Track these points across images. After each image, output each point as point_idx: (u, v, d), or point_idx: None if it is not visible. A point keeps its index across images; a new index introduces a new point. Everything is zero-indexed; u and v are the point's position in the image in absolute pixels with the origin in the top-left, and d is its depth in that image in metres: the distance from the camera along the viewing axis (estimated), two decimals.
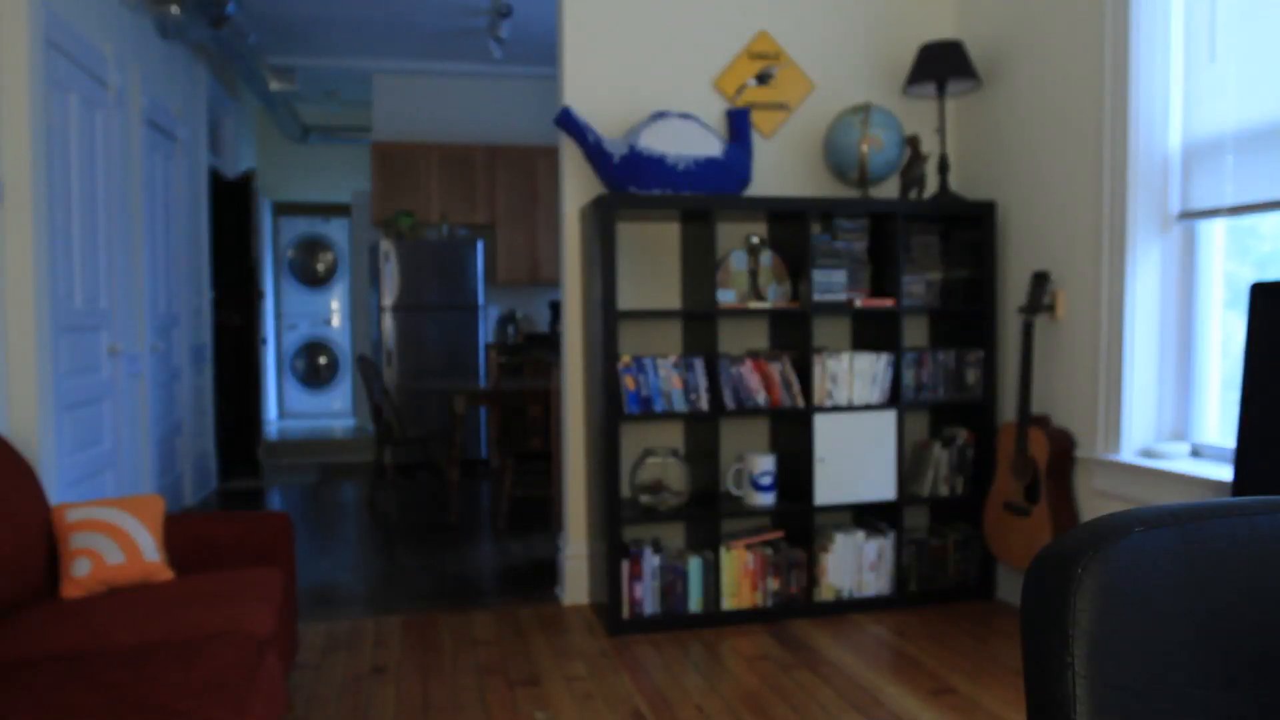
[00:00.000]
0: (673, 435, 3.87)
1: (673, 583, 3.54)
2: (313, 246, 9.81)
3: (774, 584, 3.63)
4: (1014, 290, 3.77)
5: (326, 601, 3.96)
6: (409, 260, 7.04)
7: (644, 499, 3.62)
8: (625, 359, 3.49)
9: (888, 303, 3.68)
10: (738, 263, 3.67)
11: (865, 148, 3.66)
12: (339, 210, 9.61)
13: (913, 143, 3.74)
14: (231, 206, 6.99)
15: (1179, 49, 3.08)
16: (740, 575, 3.60)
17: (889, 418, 3.68)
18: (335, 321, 9.88)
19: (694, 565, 3.55)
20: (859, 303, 3.68)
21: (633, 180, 3.51)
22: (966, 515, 3.85)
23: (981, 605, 3.77)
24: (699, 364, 3.55)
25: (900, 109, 4.05)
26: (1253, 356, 2.49)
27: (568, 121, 3.52)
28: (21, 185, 3.16)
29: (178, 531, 2.84)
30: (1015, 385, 3.74)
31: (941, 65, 3.68)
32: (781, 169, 3.95)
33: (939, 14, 4.10)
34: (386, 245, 7.01)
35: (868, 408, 3.66)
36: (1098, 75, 3.25)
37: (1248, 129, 2.83)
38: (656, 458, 3.63)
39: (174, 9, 4.94)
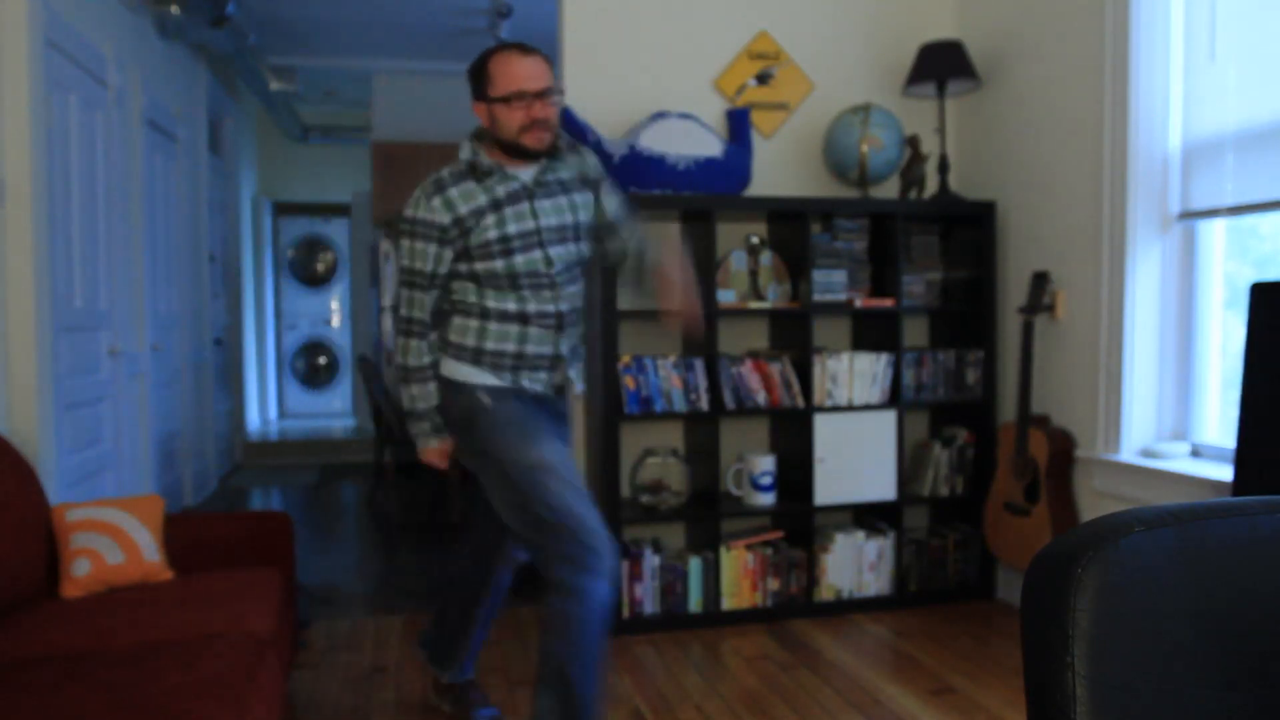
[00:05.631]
0: (673, 435, 3.87)
1: (673, 583, 3.54)
2: (313, 246, 9.80)
3: (774, 584, 3.63)
4: (1014, 290, 3.77)
5: (326, 601, 3.96)
6: None
7: (644, 499, 3.62)
8: (625, 359, 3.49)
9: (888, 303, 3.68)
10: (738, 263, 3.67)
11: (865, 148, 3.66)
12: (339, 210, 9.60)
13: (913, 143, 3.74)
14: None
15: (1179, 49, 3.08)
16: (740, 575, 3.60)
17: (889, 418, 3.68)
18: (335, 321, 9.87)
19: (694, 565, 3.55)
20: (859, 303, 3.68)
21: (633, 180, 3.51)
22: (966, 515, 3.85)
23: (981, 605, 3.77)
24: (699, 364, 3.55)
25: (900, 109, 4.05)
26: (1252, 356, 2.48)
27: (568, 121, 3.52)
28: (21, 185, 3.16)
29: (178, 531, 2.84)
30: (1015, 385, 3.73)
31: (941, 65, 3.68)
32: (781, 169, 3.95)
33: (939, 14, 4.10)
34: (386, 245, 7.01)
35: (868, 408, 3.66)
36: (1098, 75, 3.25)
37: (1248, 129, 2.83)
38: (656, 458, 3.63)
39: (174, 9, 4.94)
